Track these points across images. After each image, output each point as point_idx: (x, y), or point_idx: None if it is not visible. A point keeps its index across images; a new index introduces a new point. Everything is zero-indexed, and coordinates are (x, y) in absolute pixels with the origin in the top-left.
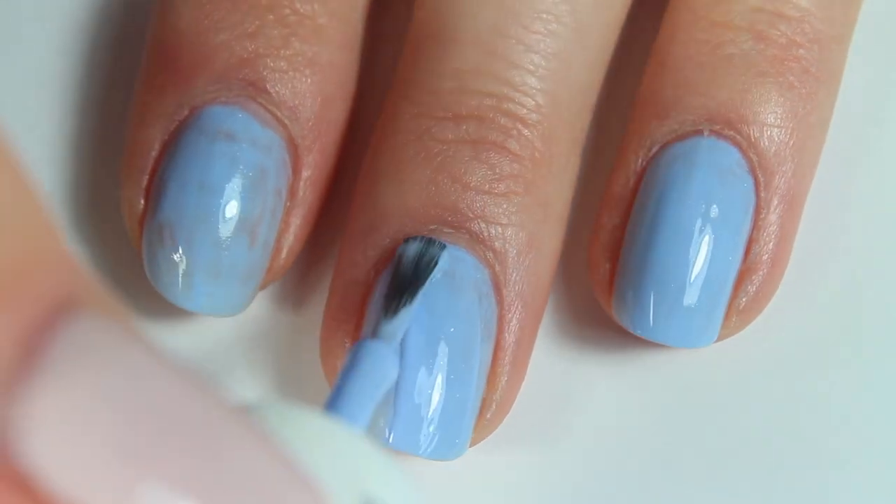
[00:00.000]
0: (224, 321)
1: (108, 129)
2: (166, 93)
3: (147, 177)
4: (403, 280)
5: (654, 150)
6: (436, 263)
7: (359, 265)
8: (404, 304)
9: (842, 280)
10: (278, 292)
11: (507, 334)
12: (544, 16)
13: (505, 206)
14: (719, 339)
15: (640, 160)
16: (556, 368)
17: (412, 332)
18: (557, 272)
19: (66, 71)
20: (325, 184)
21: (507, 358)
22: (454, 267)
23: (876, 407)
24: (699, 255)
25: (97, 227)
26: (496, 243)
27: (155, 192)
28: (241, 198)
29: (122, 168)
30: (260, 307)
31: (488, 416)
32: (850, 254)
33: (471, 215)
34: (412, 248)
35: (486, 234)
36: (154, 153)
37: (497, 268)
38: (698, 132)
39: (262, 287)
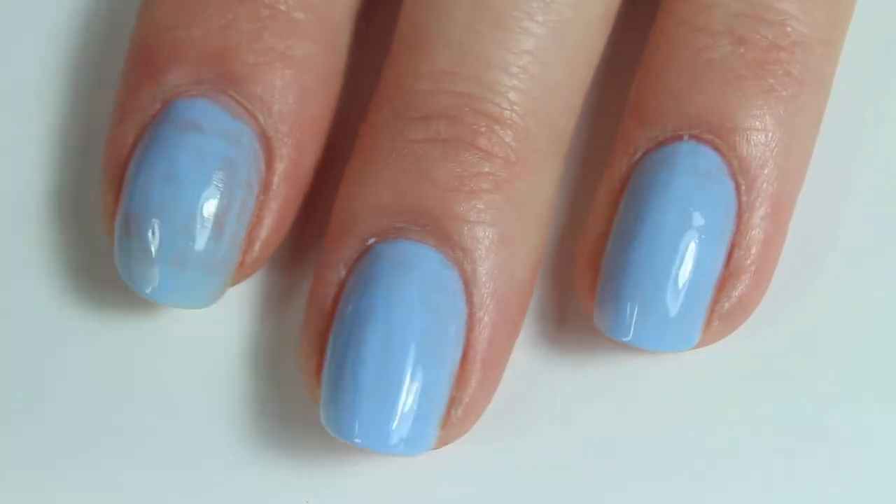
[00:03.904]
0: (209, 322)
1: (100, 129)
2: (140, 89)
3: (120, 171)
4: None
5: (638, 156)
6: None
7: (333, 266)
8: None
9: (840, 283)
10: (267, 292)
11: (477, 333)
12: (516, 13)
13: (473, 203)
14: (704, 343)
15: (623, 167)
16: (550, 371)
17: (375, 326)
18: (553, 277)
19: (66, 71)
20: (303, 178)
21: (477, 358)
22: (426, 265)
23: (868, 409)
24: (675, 260)
25: (89, 227)
26: (465, 241)
27: (125, 185)
28: (206, 188)
29: (102, 164)
30: (246, 306)
31: (456, 415)
32: (849, 257)
33: (438, 213)
34: None
35: (453, 232)
36: (127, 148)
37: (466, 266)
38: (678, 137)
39: (237, 281)
